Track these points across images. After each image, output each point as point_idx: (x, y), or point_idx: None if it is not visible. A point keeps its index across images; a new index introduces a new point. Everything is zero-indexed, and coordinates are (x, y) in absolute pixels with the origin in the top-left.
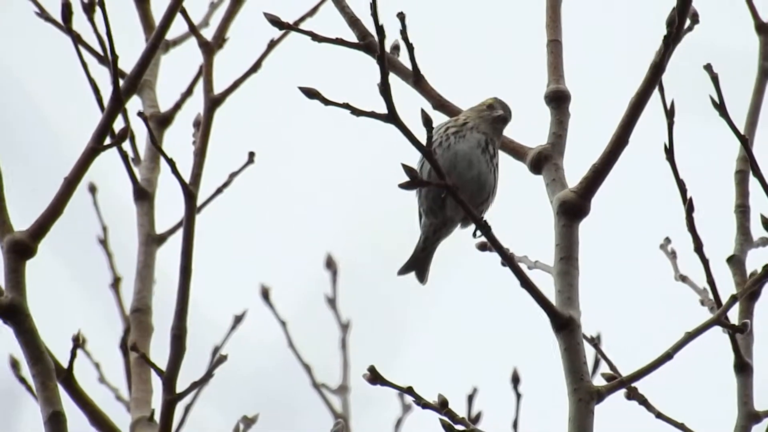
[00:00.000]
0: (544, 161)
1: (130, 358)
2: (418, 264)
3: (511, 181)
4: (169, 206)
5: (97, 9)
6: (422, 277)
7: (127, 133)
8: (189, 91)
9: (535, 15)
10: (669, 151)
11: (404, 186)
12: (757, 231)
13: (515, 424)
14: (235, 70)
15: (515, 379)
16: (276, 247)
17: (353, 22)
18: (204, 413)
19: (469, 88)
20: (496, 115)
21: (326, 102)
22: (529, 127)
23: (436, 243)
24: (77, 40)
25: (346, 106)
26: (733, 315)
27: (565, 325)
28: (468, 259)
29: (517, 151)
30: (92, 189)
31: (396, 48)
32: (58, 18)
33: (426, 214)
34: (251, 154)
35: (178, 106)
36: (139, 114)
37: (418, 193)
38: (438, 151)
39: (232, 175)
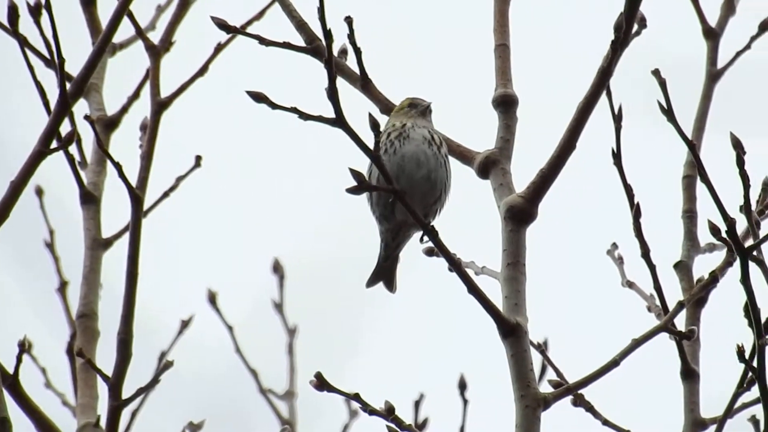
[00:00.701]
0: (491, 166)
1: (76, 363)
2: (384, 273)
3: (458, 185)
4: (115, 210)
5: (44, 12)
6: (390, 285)
7: (73, 136)
8: (136, 95)
9: (482, 19)
10: (616, 156)
11: (352, 191)
12: (704, 237)
13: (462, 431)
14: (182, 73)
15: (462, 385)
16: (223, 251)
17: (301, 26)
18: (150, 419)
19: (417, 92)
20: (425, 105)
21: (273, 106)
22: (477, 131)
23: (398, 249)
24: (24, 43)
25: (293, 110)
26: (680, 321)
27: (511, 331)
28: (415, 264)
29: (464, 156)
30: (39, 192)
31: (344, 52)
32: (5, 21)
33: (380, 221)
34: (198, 158)
35: (124, 110)
36: (86, 117)
37: (369, 200)
38: (385, 157)
39: (179, 179)
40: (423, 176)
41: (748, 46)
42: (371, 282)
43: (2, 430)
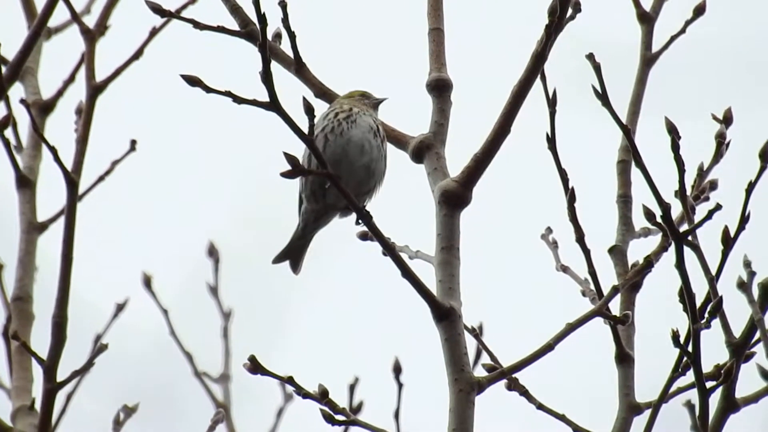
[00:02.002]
0: (425, 150)
1: (11, 346)
2: (294, 253)
3: (392, 170)
4: (50, 194)
5: None
6: (296, 266)
7: (9, 120)
8: (71, 79)
9: (416, 3)
10: (551, 141)
11: (286, 175)
12: (639, 221)
13: (397, 414)
14: (117, 57)
15: (397, 369)
16: (158, 235)
17: (235, 9)
18: (85, 402)
19: (351, 76)
20: (379, 100)
21: (208, 89)
22: (411, 115)
23: (315, 231)
24: None
25: (227, 93)
26: (615, 306)
27: (445, 315)
28: (349, 248)
29: (398, 140)
30: None
31: (278, 36)
32: None
33: (308, 199)
34: (133, 142)
35: (60, 94)
36: (22, 101)
37: (301, 180)
38: (330, 137)
39: (114, 163)
40: (364, 164)
41: (682, 31)
42: (278, 259)
43: None
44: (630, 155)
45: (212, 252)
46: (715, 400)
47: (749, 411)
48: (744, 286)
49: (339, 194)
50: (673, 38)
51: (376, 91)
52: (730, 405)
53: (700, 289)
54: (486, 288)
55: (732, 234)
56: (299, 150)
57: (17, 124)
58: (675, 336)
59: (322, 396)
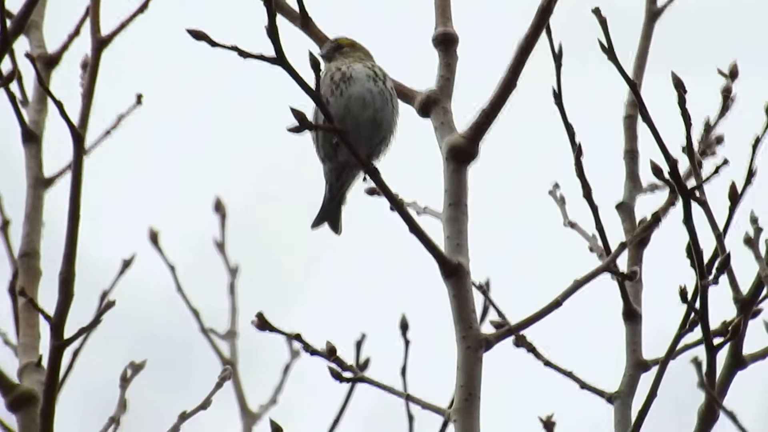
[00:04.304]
0: (432, 105)
1: (18, 302)
2: (329, 214)
3: (399, 124)
4: (57, 149)
5: None
6: (336, 227)
7: (14, 74)
8: (76, 32)
9: None
10: (557, 96)
11: (293, 130)
12: (646, 177)
13: (404, 371)
14: (123, 11)
15: (404, 326)
16: (165, 190)
17: None
18: (92, 358)
19: (357, 30)
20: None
21: (213, 44)
22: (417, 70)
23: (342, 190)
24: None
25: (233, 48)
26: (622, 262)
27: (453, 271)
28: (357, 203)
29: (405, 95)
30: None
31: None
32: None
33: (323, 161)
34: (139, 96)
35: (65, 47)
36: (27, 55)
37: (314, 141)
38: (332, 100)
39: (120, 117)
40: (368, 117)
41: None
42: (316, 223)
43: None
44: (637, 110)
45: (218, 208)
46: (722, 357)
47: (756, 368)
48: (751, 242)
49: (349, 151)
50: None
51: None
52: (738, 362)
53: (707, 245)
54: (493, 244)
55: (739, 190)
56: (307, 107)
57: (22, 78)
58: (682, 292)
59: (330, 353)
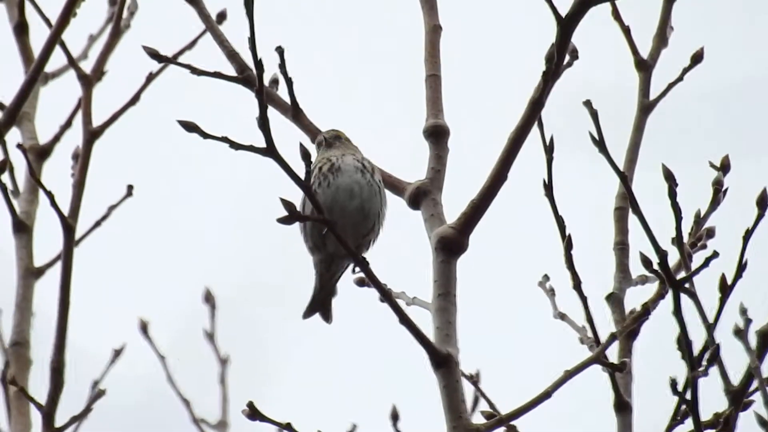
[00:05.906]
0: (422, 196)
1: (9, 392)
2: (320, 304)
3: (389, 216)
4: (47, 239)
5: None
6: (326, 316)
7: (6, 165)
8: (68, 124)
9: (413, 49)
10: (548, 187)
11: (283, 220)
12: (636, 269)
13: None
14: (114, 102)
15: (394, 416)
16: (155, 281)
17: (232, 55)
18: None
19: (348, 122)
20: (320, 139)
21: (205, 135)
22: (408, 162)
23: (332, 280)
24: None
25: (224, 139)
26: (613, 353)
27: (443, 362)
28: (346, 294)
29: (395, 186)
30: None
31: (275, 82)
32: None
33: (312, 252)
34: (130, 187)
35: (57, 139)
36: (19, 146)
37: (302, 231)
38: (319, 191)
39: (111, 208)
40: (356, 207)
41: (680, 78)
42: (307, 313)
43: None
44: (627, 202)
45: (208, 298)
46: None
47: None
48: (741, 334)
49: (338, 242)
50: (670, 86)
51: (373, 137)
52: None
53: (697, 337)
54: (483, 335)
55: (729, 282)
56: (297, 197)
57: (14, 169)
58: (673, 384)
59: None
